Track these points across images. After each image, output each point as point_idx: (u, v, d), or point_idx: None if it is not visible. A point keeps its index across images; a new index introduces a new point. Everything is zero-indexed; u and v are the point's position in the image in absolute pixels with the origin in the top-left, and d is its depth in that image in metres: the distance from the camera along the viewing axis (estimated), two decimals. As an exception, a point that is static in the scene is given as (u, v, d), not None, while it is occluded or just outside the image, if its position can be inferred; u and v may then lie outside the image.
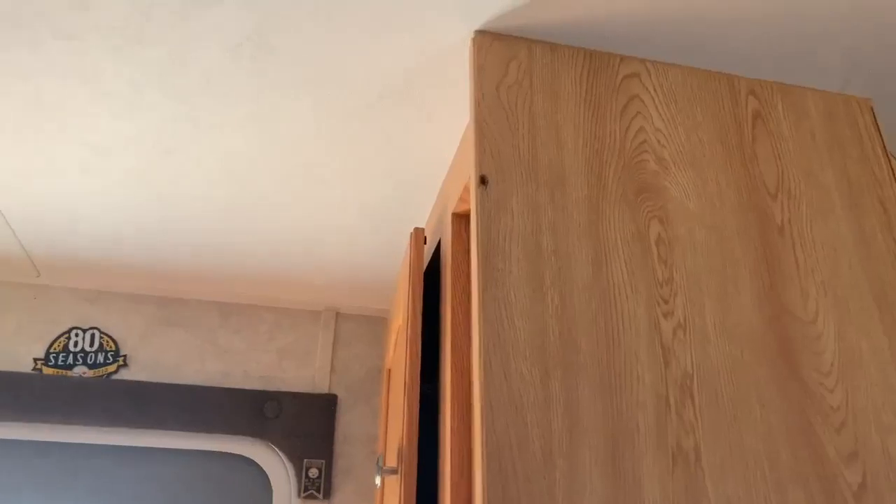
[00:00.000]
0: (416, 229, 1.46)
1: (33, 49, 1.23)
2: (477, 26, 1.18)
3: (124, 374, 2.00)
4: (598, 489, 0.87)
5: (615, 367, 0.95)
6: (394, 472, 1.30)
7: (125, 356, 2.01)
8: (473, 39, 1.17)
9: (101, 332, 2.02)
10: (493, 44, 1.18)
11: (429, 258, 1.58)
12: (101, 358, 1.99)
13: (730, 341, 1.02)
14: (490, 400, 0.89)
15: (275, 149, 1.50)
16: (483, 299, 0.95)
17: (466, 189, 1.25)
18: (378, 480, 1.34)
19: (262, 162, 1.54)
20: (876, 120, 1.31)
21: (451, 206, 1.37)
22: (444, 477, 1.16)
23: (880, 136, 1.29)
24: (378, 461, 1.31)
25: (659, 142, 1.16)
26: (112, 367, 1.99)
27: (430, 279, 1.50)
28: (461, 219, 1.35)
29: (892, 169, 1.26)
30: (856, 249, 1.16)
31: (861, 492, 0.96)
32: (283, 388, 2.06)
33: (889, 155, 1.28)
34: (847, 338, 1.08)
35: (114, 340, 2.02)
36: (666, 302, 1.02)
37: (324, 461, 1.97)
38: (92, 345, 2.00)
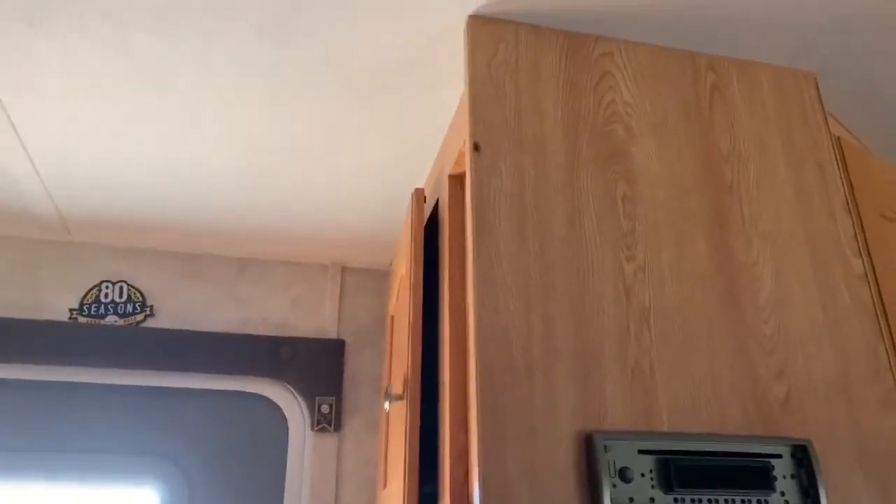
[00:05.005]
0: (417, 190, 1.64)
1: (77, 25, 1.39)
2: (470, 11, 1.35)
3: (151, 323, 2.20)
4: (570, 397, 1.08)
5: (585, 303, 1.15)
6: (400, 398, 1.51)
7: (151, 306, 2.21)
8: (467, 23, 1.35)
9: (129, 284, 2.22)
10: (484, 26, 1.35)
11: (427, 215, 1.76)
12: (129, 308, 2.19)
13: (683, 281, 1.23)
14: (483, 328, 1.09)
15: (292, 118, 1.68)
16: (477, 247, 1.15)
17: (461, 154, 1.43)
18: (387, 405, 1.55)
19: (280, 131, 1.72)
20: (819, 91, 1.49)
21: (448, 169, 1.55)
22: (444, 400, 1.37)
23: (821, 105, 1.48)
24: (387, 389, 1.52)
25: (627, 113, 1.35)
26: (140, 317, 2.19)
27: (428, 233, 1.69)
28: (456, 179, 1.54)
29: (830, 134, 1.45)
30: (796, 205, 1.36)
31: (786, 402, 1.17)
32: (297, 334, 2.27)
33: (828, 115, 1.47)
34: (782, 279, 1.28)
35: (141, 292, 2.22)
36: (629, 249, 1.22)
37: (334, 398, 2.19)
38: (121, 296, 2.20)
